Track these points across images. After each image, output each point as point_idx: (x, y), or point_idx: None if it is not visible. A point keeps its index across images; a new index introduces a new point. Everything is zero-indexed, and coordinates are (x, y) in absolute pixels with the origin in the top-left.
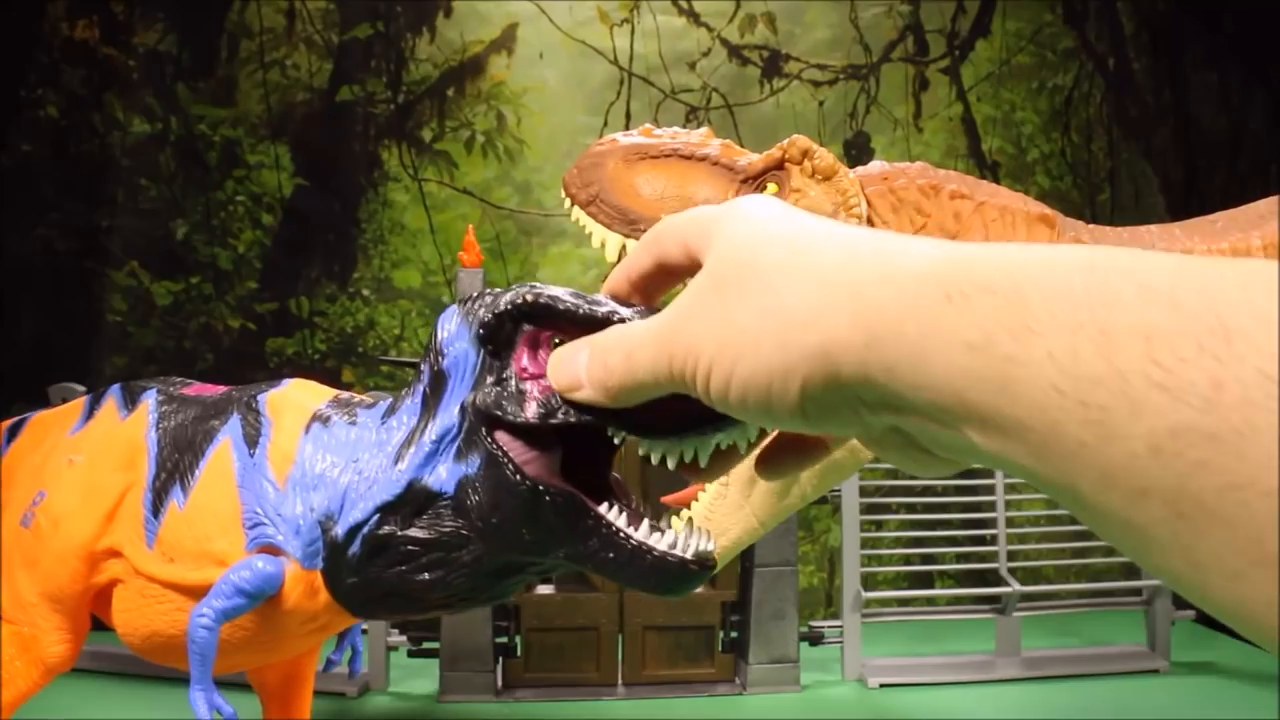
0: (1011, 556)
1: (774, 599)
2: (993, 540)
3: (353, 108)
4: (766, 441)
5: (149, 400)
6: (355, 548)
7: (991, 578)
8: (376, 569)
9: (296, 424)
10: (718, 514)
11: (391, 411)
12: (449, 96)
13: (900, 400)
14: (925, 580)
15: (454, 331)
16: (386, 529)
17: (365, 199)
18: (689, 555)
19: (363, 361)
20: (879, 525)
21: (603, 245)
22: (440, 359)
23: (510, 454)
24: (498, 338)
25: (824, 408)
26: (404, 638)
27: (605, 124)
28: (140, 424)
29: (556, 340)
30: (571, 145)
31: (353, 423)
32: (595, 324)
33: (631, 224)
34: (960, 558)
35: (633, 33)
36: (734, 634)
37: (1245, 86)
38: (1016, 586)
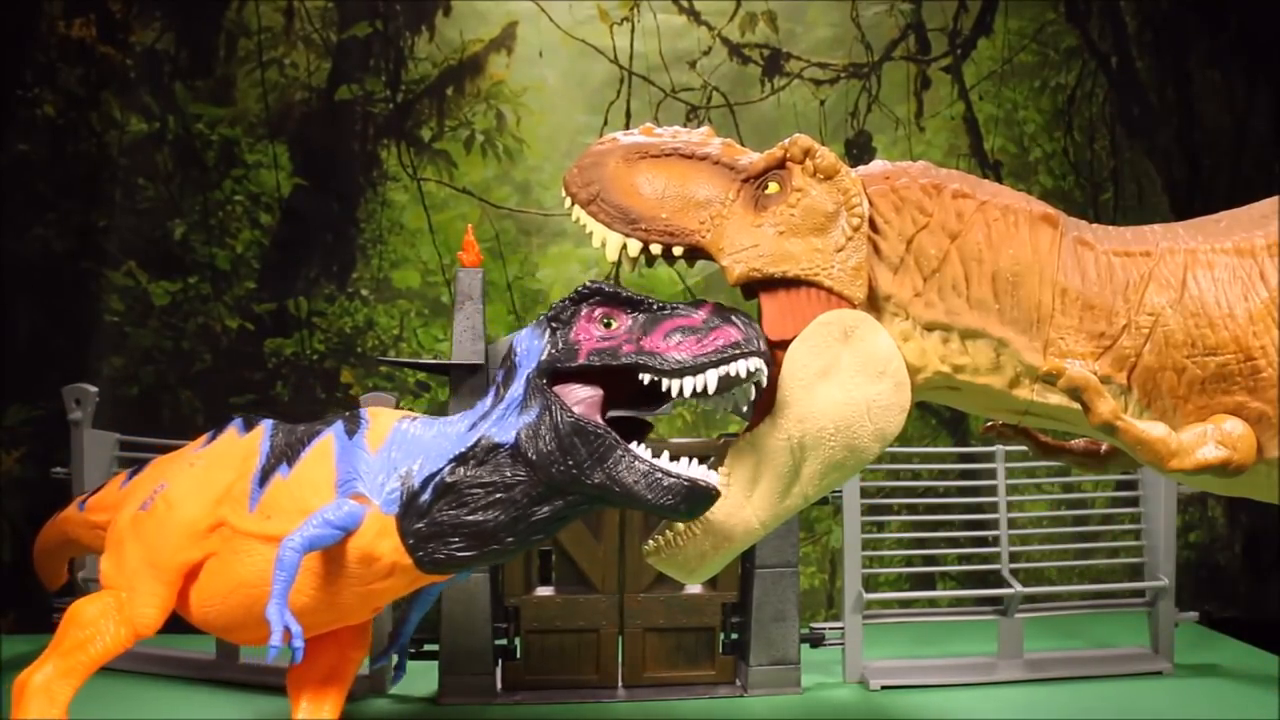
0: (1014, 558)
1: (775, 600)
2: (995, 541)
3: (351, 107)
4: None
5: (266, 424)
6: (427, 495)
7: (993, 579)
8: (441, 510)
9: (391, 419)
10: (718, 514)
11: (472, 410)
12: (448, 96)
13: None
14: (927, 582)
15: (524, 335)
16: (455, 476)
17: (364, 199)
18: (699, 478)
19: (361, 362)
20: (880, 526)
21: (603, 244)
22: (513, 356)
23: (562, 398)
24: (562, 317)
25: None
26: None
27: (605, 123)
28: (257, 437)
29: (606, 320)
30: (571, 144)
31: (435, 420)
32: (636, 303)
33: (632, 223)
34: (962, 559)
35: (633, 31)
36: (734, 635)
37: (1249, 85)
38: (1019, 588)
